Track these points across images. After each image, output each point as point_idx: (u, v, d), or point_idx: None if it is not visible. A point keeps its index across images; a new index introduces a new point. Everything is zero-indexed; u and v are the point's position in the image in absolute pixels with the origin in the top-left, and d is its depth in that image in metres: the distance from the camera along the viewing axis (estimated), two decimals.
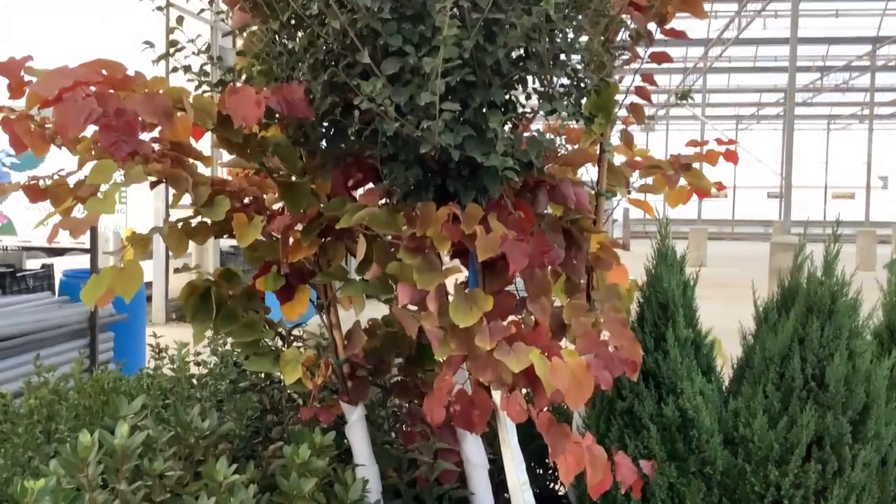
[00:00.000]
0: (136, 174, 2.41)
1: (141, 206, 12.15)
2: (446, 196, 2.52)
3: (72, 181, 2.55)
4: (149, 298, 11.40)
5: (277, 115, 2.41)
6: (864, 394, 2.94)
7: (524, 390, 2.54)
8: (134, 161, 2.44)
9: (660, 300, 3.11)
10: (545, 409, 2.33)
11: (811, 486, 2.89)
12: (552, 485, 3.59)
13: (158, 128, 2.61)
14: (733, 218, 38.00)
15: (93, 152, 2.59)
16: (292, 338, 3.25)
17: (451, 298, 2.40)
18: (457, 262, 2.59)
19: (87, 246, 6.80)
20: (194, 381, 3.60)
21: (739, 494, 2.96)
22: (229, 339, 3.64)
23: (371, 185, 2.76)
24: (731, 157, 3.46)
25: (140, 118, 2.17)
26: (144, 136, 2.50)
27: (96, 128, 2.27)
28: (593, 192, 3.13)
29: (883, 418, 2.96)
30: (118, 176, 2.40)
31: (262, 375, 3.44)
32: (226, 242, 12.42)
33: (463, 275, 2.65)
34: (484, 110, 2.36)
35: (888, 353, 3.17)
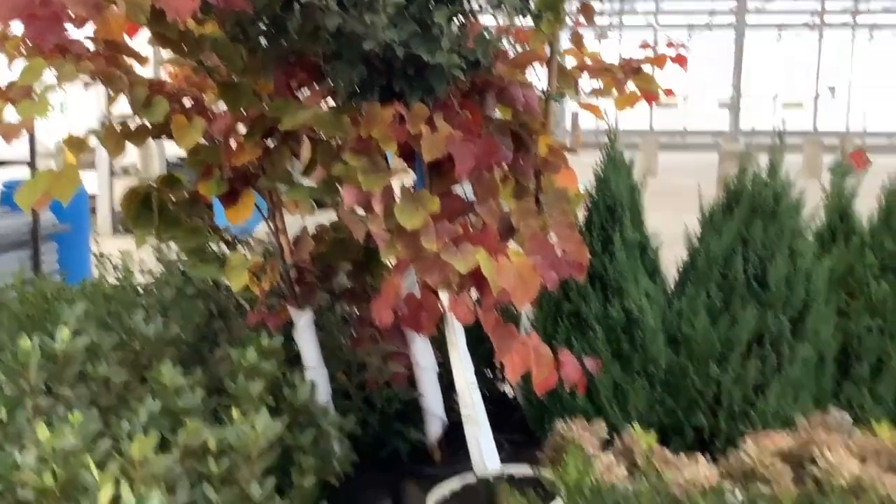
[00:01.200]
0: (67, 72, 2.32)
1: (83, 117, 11.78)
2: (392, 96, 2.46)
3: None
4: (94, 210, 11.18)
5: (213, 9, 2.31)
6: (805, 293, 3.01)
7: (473, 294, 2.55)
8: (65, 59, 2.34)
9: (608, 203, 3.12)
10: (492, 310, 2.35)
11: (751, 382, 2.98)
12: (501, 386, 3.65)
13: (91, 25, 2.51)
14: (684, 128, 38.18)
15: (23, 50, 2.48)
16: (238, 243, 3.20)
17: (397, 201, 2.37)
18: (403, 164, 2.56)
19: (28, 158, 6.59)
20: (139, 289, 3.55)
21: (682, 391, 3.05)
22: (175, 248, 3.58)
23: (315, 85, 2.69)
24: (681, 61, 3.44)
25: (68, 9, 2.06)
26: (79, 36, 2.41)
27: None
28: (543, 95, 3.10)
29: (822, 316, 3.04)
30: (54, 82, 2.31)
31: (209, 282, 3.40)
32: (173, 152, 12.15)
33: (411, 178, 2.62)
34: (430, 5, 2.28)
35: (829, 253, 3.24)
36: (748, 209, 3.08)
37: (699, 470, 2.69)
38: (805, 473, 2.69)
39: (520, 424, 3.33)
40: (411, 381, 3.03)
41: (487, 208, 2.51)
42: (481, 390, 3.48)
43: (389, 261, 2.86)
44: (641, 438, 2.53)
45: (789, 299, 2.99)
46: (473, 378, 2.70)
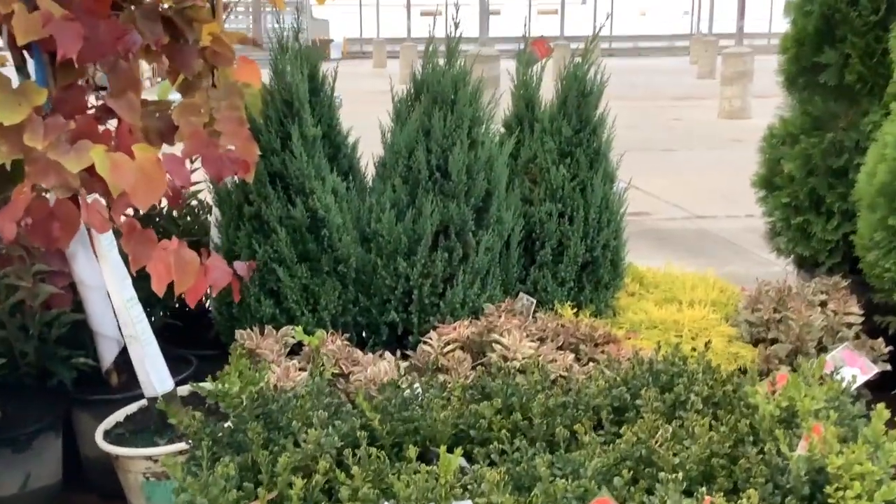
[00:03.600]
0: None
1: None
2: None
3: None
4: None
5: None
6: (486, 181, 3.00)
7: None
8: None
9: (284, 97, 2.92)
10: (122, 214, 2.11)
11: (439, 273, 2.96)
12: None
13: None
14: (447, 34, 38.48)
15: None
16: None
17: None
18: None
19: None
20: None
21: (374, 289, 2.98)
22: None
23: None
24: None
25: None
26: None
27: None
28: None
29: (504, 204, 3.06)
30: None
31: None
32: None
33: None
34: None
35: (517, 141, 3.25)
36: (430, 100, 3.00)
37: (381, 366, 2.65)
38: (485, 359, 2.72)
39: (217, 339, 3.15)
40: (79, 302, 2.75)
41: (126, 102, 2.24)
42: (174, 306, 3.26)
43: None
44: (309, 340, 2.42)
45: (471, 189, 2.97)
46: (132, 294, 2.46)
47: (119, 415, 2.66)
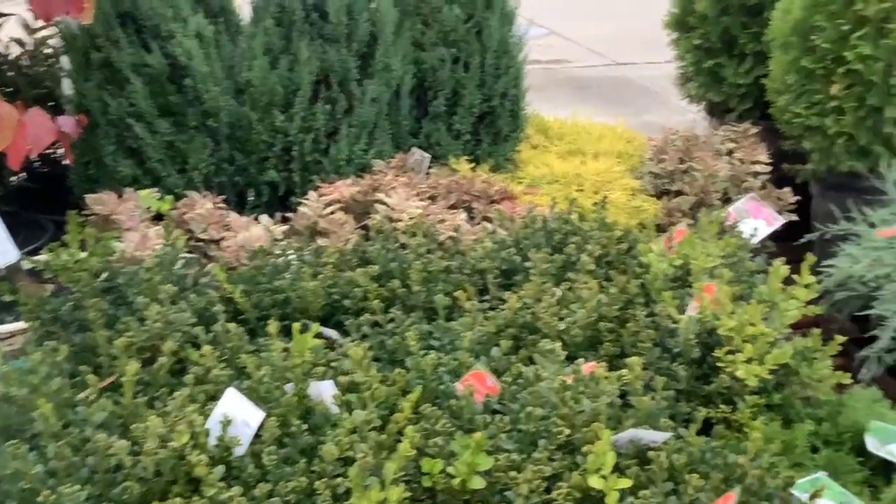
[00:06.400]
0: None
1: None
2: None
3: None
4: None
5: None
6: (370, 23, 2.69)
7: None
8: None
9: None
10: None
11: (321, 127, 2.70)
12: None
13: None
14: None
15: None
16: None
17: None
18: None
19: None
20: None
21: (250, 146, 2.71)
22: None
23: None
24: None
25: None
26: None
27: None
28: None
29: (392, 49, 2.76)
30: None
31: None
32: None
33: None
34: None
35: None
36: None
37: (254, 231, 2.43)
38: (370, 220, 2.51)
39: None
40: None
41: None
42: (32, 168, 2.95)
43: None
44: (156, 203, 2.17)
45: (353, 31, 2.67)
46: None
47: None
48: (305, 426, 1.49)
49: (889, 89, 2.54)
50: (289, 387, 1.59)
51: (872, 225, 2.54)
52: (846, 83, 2.60)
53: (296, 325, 1.60)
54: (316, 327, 1.62)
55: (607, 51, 7.36)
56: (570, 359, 1.73)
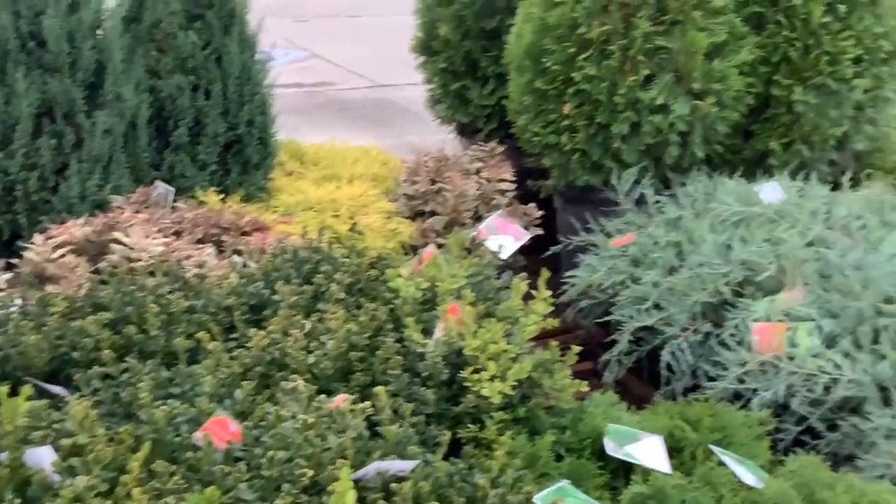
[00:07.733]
0: None
1: None
2: None
3: None
4: None
5: None
6: (95, 50, 2.52)
7: None
8: None
9: None
10: None
11: (47, 164, 2.49)
12: None
13: None
14: None
15: None
16: None
17: None
18: None
19: None
20: None
21: None
22: None
23: None
24: None
25: None
26: None
27: None
28: None
29: (123, 77, 2.60)
30: None
31: None
32: None
33: None
34: None
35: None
36: None
37: None
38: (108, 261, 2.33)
39: None
40: None
41: None
42: None
43: None
44: None
45: (77, 60, 2.48)
46: None
47: None
48: (19, 501, 1.34)
49: (614, 107, 2.71)
50: (2, 456, 1.43)
51: (609, 235, 2.71)
52: (576, 102, 2.75)
53: (3, 389, 1.44)
54: (27, 389, 1.46)
55: (369, 72, 7.42)
56: (323, 392, 1.69)
